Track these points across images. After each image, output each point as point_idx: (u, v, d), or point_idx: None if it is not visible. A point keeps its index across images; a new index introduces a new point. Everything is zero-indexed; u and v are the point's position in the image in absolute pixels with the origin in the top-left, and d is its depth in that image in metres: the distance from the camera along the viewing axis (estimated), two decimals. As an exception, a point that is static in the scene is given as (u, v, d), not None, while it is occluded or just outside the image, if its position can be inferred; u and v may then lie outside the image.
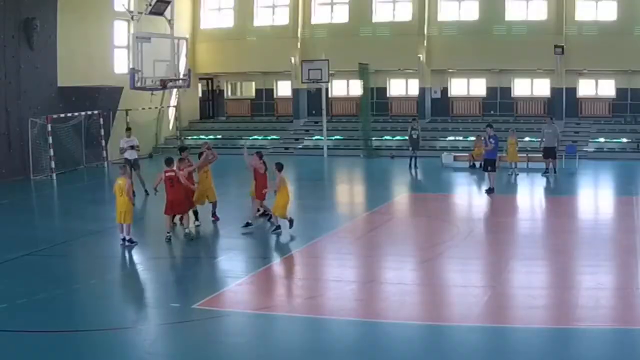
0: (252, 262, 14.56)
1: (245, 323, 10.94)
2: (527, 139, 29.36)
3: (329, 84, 32.98)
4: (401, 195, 23.19)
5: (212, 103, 39.31)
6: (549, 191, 23.17)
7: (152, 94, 25.37)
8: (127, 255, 15.18)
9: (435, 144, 31.75)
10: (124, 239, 15.32)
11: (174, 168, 16.10)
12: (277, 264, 14.33)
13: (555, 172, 24.80)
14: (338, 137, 33.84)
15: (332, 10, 35.65)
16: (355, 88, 34.41)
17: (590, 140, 30.67)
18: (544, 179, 24.38)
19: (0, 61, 25.22)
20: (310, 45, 34.77)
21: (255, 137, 35.14)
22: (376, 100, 34.84)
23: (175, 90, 31.90)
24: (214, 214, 17.68)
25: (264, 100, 37.84)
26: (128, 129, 24.16)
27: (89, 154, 28.99)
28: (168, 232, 15.95)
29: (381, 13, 34.73)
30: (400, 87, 36.16)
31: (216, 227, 17.39)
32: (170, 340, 10.26)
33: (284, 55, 34.93)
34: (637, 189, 21.74)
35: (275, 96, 37.87)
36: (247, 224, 16.70)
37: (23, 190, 24.06)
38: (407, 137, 28.91)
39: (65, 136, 27.49)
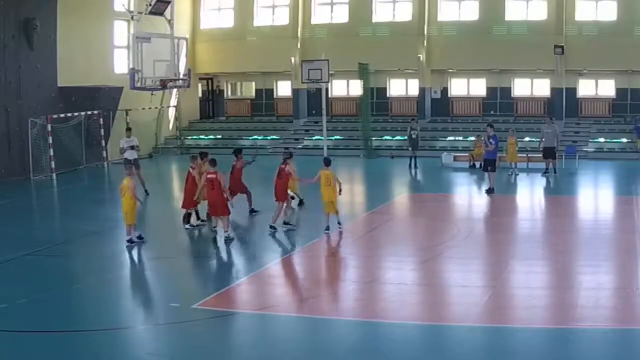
0: (252, 262, 14.57)
1: (245, 323, 10.94)
2: (527, 139, 29.35)
3: (329, 84, 32.93)
4: (401, 195, 23.20)
5: (212, 103, 39.30)
6: (549, 191, 23.17)
7: (152, 94, 25.31)
8: (127, 255, 15.20)
9: (435, 144, 31.75)
10: (129, 240, 15.37)
11: (217, 170, 15.91)
12: (277, 264, 14.32)
13: (555, 172, 24.79)
14: (338, 137, 33.83)
15: (332, 10, 35.64)
16: (355, 88, 34.40)
17: (590, 140, 30.66)
18: (544, 179, 24.38)
19: (0, 61, 25.22)
20: (310, 45, 34.75)
21: (255, 137, 35.16)
22: (376, 100, 34.82)
23: (175, 90, 31.85)
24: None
25: (264, 100, 37.84)
26: (128, 129, 24.19)
27: (89, 154, 28.99)
28: (214, 227, 16.23)
29: (381, 13, 34.73)
30: (400, 87, 36.14)
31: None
32: (170, 340, 10.26)
33: (284, 55, 34.92)
34: (637, 189, 21.74)
35: (275, 96, 37.87)
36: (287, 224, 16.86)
37: (23, 190, 24.06)
38: (406, 137, 28.94)
39: (65, 136, 27.50)
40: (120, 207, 15.74)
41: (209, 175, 15.80)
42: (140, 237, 15.55)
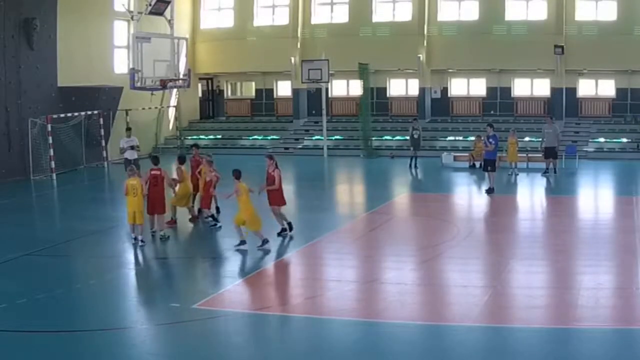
0: (252, 262, 14.55)
1: (245, 323, 10.94)
2: (527, 139, 29.37)
3: (329, 84, 32.98)
4: (401, 195, 23.20)
5: (212, 103, 39.31)
6: (549, 191, 23.17)
7: (152, 94, 25.34)
8: (127, 255, 15.20)
9: (435, 144, 31.75)
10: (135, 239, 15.33)
11: (160, 167, 16.26)
12: (276, 264, 14.32)
13: (555, 172, 24.80)
14: (338, 137, 33.84)
15: (332, 10, 35.65)
16: (355, 88, 34.40)
17: (590, 140, 30.67)
18: (544, 179, 24.38)
19: (0, 61, 25.22)
20: (310, 45, 34.76)
21: (255, 137, 35.17)
22: (376, 100, 34.84)
23: (175, 90, 31.88)
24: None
25: (264, 100, 37.84)
26: (128, 129, 24.20)
27: (89, 154, 28.98)
28: (152, 229, 16.10)
29: (381, 13, 34.74)
30: (400, 87, 36.15)
31: (216, 227, 17.37)
32: (170, 340, 10.25)
33: (284, 55, 34.93)
34: (637, 189, 21.73)
35: (275, 96, 37.87)
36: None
37: (23, 190, 24.05)
38: (407, 137, 28.95)
39: (65, 136, 27.49)
40: (116, 208, 15.70)
41: (153, 172, 16.02)
42: (143, 241, 15.50)
